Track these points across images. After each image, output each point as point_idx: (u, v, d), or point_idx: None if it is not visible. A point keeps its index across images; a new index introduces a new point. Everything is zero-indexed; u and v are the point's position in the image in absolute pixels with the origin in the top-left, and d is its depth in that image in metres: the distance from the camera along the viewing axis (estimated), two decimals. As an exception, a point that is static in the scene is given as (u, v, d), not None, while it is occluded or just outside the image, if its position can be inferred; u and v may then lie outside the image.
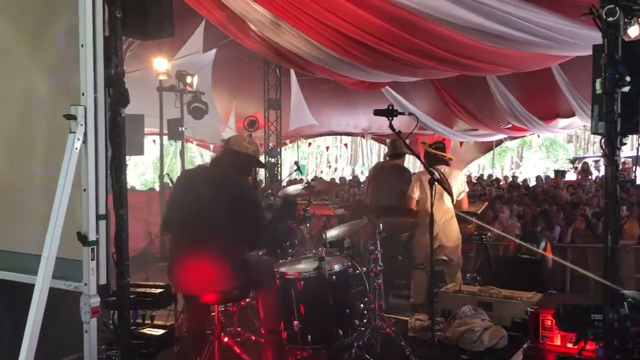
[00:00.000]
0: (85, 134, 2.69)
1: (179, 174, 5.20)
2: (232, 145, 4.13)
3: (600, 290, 3.32)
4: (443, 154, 6.07)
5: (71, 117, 2.65)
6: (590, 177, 19.06)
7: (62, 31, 2.86)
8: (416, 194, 6.05)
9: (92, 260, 2.71)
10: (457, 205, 6.02)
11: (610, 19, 2.92)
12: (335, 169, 38.16)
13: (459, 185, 5.98)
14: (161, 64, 9.76)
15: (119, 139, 2.79)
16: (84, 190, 2.72)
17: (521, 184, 17.21)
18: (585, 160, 22.83)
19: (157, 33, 3.02)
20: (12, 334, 3.29)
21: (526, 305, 4.71)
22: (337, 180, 19.77)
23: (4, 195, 3.18)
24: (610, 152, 2.99)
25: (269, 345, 4.22)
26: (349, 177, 22.80)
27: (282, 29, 8.69)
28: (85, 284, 2.72)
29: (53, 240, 2.57)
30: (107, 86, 2.77)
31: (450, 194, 5.46)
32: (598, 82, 3.01)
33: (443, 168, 5.87)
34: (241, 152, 4.09)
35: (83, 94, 2.70)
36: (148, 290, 3.91)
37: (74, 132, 2.65)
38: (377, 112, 4.46)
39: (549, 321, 4.11)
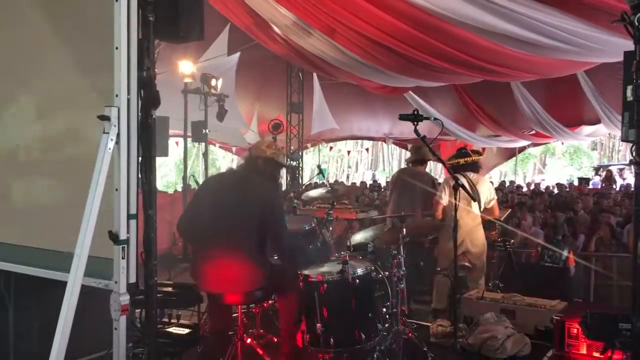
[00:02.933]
0: (118, 135, 2.73)
1: (206, 177, 5.22)
2: (252, 151, 4.22)
3: (624, 299, 3.29)
4: (473, 158, 6.02)
5: (105, 118, 2.69)
6: (614, 185, 18.80)
7: (96, 34, 2.91)
8: (444, 199, 6.01)
9: (122, 258, 2.75)
10: (488, 213, 5.98)
11: (643, 25, 2.90)
12: (353, 176, 38.11)
13: (487, 193, 5.93)
14: (186, 67, 9.87)
15: (150, 140, 2.84)
16: (116, 189, 2.76)
17: (544, 190, 17.04)
18: (610, 168, 22.52)
19: (188, 36, 3.08)
20: (43, 330, 3.36)
21: (550, 313, 4.67)
22: (357, 185, 19.80)
23: (38, 194, 3.25)
24: (641, 159, 2.96)
25: (284, 351, 4.23)
26: (369, 182, 22.76)
27: (307, 32, 8.74)
28: (116, 282, 2.76)
29: (85, 239, 2.61)
30: (140, 88, 2.82)
31: (475, 200, 5.43)
32: (629, 89, 2.98)
33: (471, 175, 5.84)
34: (259, 156, 4.14)
35: (117, 96, 2.74)
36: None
37: (108, 133, 2.69)
38: (402, 117, 4.44)
39: (575, 329, 4.07)
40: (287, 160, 4.58)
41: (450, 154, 6.39)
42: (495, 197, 6.13)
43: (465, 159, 5.94)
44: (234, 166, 4.48)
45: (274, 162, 4.24)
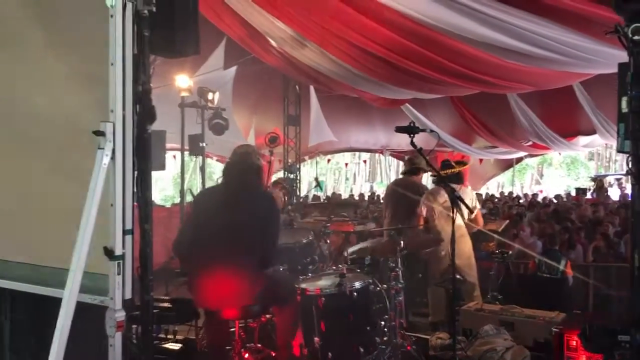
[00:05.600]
0: (113, 150, 2.72)
1: (198, 192, 5.15)
2: (241, 164, 4.11)
3: (624, 310, 3.27)
4: (453, 170, 6.05)
5: (100, 134, 2.69)
6: (607, 194, 18.91)
7: (91, 49, 2.91)
8: (423, 210, 6.05)
9: (118, 274, 2.73)
10: (472, 222, 6.00)
11: (637, 37, 2.90)
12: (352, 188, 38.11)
13: (469, 202, 5.94)
14: (183, 81, 9.88)
15: (145, 155, 2.83)
16: (111, 205, 2.75)
17: (541, 201, 17.06)
18: (600, 178, 22.63)
19: (184, 51, 3.07)
20: (39, 347, 3.32)
21: (549, 325, 4.65)
22: (356, 197, 19.82)
23: (33, 209, 3.23)
24: (637, 170, 2.95)
25: None
26: (367, 194, 22.77)
27: (303, 45, 8.77)
28: (111, 298, 2.73)
29: (80, 255, 2.60)
30: (135, 103, 2.82)
31: (472, 210, 5.44)
32: (624, 100, 2.98)
33: (453, 186, 5.87)
34: (252, 167, 4.08)
35: (112, 111, 2.73)
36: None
37: (103, 149, 2.68)
38: (399, 129, 4.44)
39: (574, 341, 4.05)
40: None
41: (446, 165, 6.40)
42: (479, 207, 6.15)
43: (446, 172, 5.96)
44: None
45: (260, 168, 4.21)
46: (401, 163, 23.32)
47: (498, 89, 10.21)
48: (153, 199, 3.12)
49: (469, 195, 6.03)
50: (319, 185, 7.45)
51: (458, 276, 5.78)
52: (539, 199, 18.92)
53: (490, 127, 16.20)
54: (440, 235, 5.80)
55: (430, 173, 6.32)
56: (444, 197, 5.79)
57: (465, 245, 5.96)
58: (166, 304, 4.13)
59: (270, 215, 3.97)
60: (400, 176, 7.17)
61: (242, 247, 3.82)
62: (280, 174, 15.44)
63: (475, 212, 5.99)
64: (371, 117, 16.77)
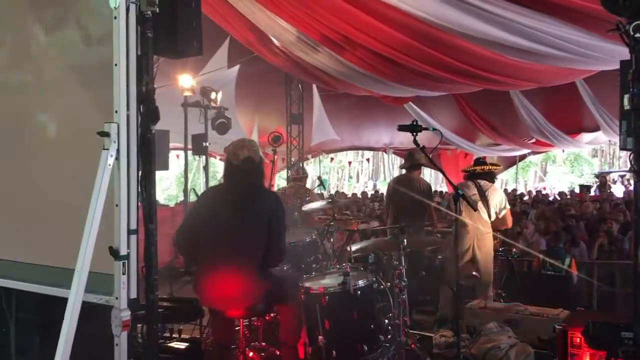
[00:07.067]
0: (117, 151, 2.74)
1: (202, 191, 5.14)
2: (246, 162, 3.97)
3: (628, 307, 3.27)
4: (489, 167, 6.21)
5: (105, 134, 2.70)
6: (610, 191, 18.91)
7: (95, 50, 2.94)
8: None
9: (123, 274, 2.75)
10: (500, 222, 6.05)
11: (638, 35, 2.91)
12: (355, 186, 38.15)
13: (497, 202, 5.98)
14: (186, 80, 9.89)
15: (149, 155, 2.85)
16: (116, 205, 2.76)
17: (544, 198, 17.05)
18: (603, 175, 22.60)
19: (187, 51, 3.08)
20: (44, 347, 3.35)
21: (553, 322, 4.65)
22: (359, 195, 19.83)
23: (38, 210, 3.25)
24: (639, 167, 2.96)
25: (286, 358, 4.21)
26: (370, 192, 22.77)
27: (306, 43, 8.78)
28: (117, 298, 2.75)
29: (86, 255, 2.61)
30: (139, 103, 2.83)
31: (475, 209, 5.44)
32: (626, 97, 2.99)
33: (481, 182, 5.95)
34: (254, 164, 3.97)
35: (116, 112, 2.75)
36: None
37: (107, 149, 2.70)
38: (401, 128, 4.44)
39: (578, 339, 4.05)
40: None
41: (450, 162, 6.49)
42: (508, 207, 6.16)
43: (482, 167, 6.08)
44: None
45: (262, 161, 4.14)
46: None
47: (501, 86, 10.20)
48: (157, 198, 3.13)
49: (498, 194, 6.08)
50: (322, 184, 7.45)
51: (475, 273, 5.84)
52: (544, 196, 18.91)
53: (493, 124, 16.17)
54: (467, 228, 5.84)
55: (462, 169, 6.47)
56: (472, 190, 5.87)
57: (489, 242, 5.99)
58: (170, 303, 4.14)
59: (276, 213, 3.96)
60: (403, 171, 7.17)
61: (248, 246, 3.83)
62: (284, 173, 15.44)
63: (504, 212, 6.04)
64: (374, 115, 16.76)
